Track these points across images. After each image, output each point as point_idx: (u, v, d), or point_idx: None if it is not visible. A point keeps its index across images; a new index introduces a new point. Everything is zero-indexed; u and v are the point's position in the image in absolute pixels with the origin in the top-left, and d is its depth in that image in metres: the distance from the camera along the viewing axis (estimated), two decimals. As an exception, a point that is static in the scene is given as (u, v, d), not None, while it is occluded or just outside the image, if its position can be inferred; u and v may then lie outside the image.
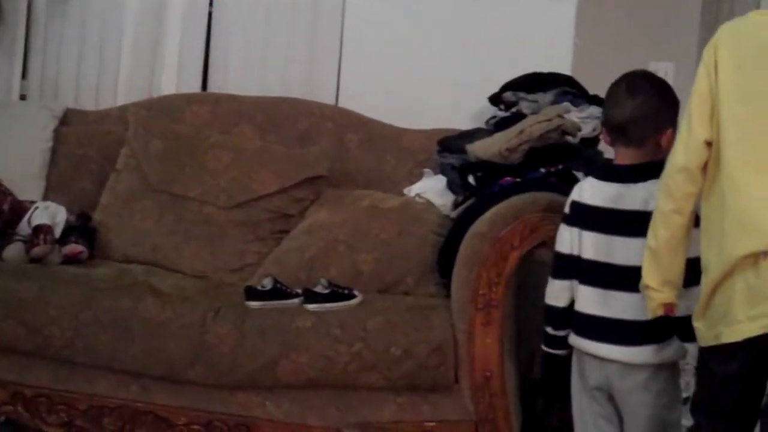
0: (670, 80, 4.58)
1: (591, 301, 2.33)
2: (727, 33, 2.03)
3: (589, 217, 2.35)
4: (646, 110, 2.27)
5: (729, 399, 2.03)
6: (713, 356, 2.01)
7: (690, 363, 2.29)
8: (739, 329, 1.91)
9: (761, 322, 1.87)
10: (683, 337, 2.22)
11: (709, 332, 1.99)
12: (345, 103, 3.73)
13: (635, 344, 2.27)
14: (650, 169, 2.26)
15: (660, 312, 2.13)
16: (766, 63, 1.95)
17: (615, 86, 2.37)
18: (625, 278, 2.25)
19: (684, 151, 2.02)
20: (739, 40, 2.01)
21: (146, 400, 2.82)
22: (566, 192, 2.65)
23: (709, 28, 4.64)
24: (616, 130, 2.33)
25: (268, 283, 2.82)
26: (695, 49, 4.55)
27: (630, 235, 2.26)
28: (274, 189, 3.29)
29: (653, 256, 2.10)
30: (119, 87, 3.87)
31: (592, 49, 4.24)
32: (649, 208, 2.19)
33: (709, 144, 1.99)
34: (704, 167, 2.01)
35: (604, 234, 2.32)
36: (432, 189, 3.26)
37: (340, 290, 2.82)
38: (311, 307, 2.76)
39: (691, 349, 2.22)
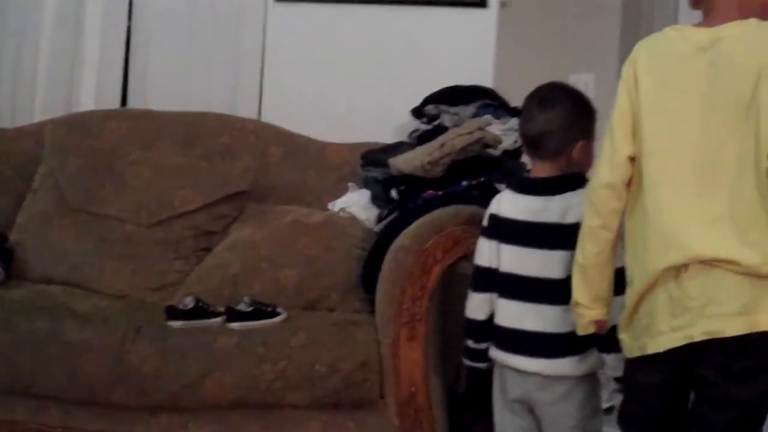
0: (590, 92, 4.67)
1: (510, 314, 2.34)
2: (645, 49, 2.05)
3: (507, 230, 2.36)
4: (557, 123, 2.28)
5: (654, 409, 2.06)
6: (638, 367, 2.04)
7: (607, 373, 2.30)
8: (662, 340, 1.94)
9: (684, 332, 1.90)
10: (602, 347, 2.24)
11: (634, 343, 2.02)
12: (268, 117, 3.70)
13: (555, 357, 2.27)
14: (566, 182, 2.29)
15: (591, 329, 2.14)
16: (683, 78, 1.97)
17: (529, 99, 2.38)
18: (544, 291, 2.27)
19: (608, 167, 2.03)
20: (657, 56, 2.03)
21: (67, 425, 2.76)
22: (488, 204, 2.66)
23: (628, 40, 4.72)
24: (531, 144, 2.36)
25: (189, 302, 2.78)
26: (615, 61, 4.63)
27: (548, 247, 2.28)
28: (196, 206, 3.25)
29: (582, 272, 2.11)
30: (36, 103, 3.81)
31: (513, 61, 4.28)
32: (566, 221, 2.23)
33: (632, 159, 2.01)
34: (629, 182, 2.03)
35: (522, 247, 2.32)
36: (356, 203, 3.25)
37: (264, 308, 2.79)
38: (234, 325, 2.73)
39: (609, 359, 2.24)
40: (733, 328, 1.87)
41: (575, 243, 2.13)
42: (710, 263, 1.88)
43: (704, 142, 1.92)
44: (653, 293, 1.95)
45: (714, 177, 1.91)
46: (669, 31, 2.08)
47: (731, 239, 1.88)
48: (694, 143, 1.93)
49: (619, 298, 2.09)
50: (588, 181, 2.21)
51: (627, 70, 2.03)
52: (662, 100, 1.98)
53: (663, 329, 1.93)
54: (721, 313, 1.88)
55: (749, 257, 1.86)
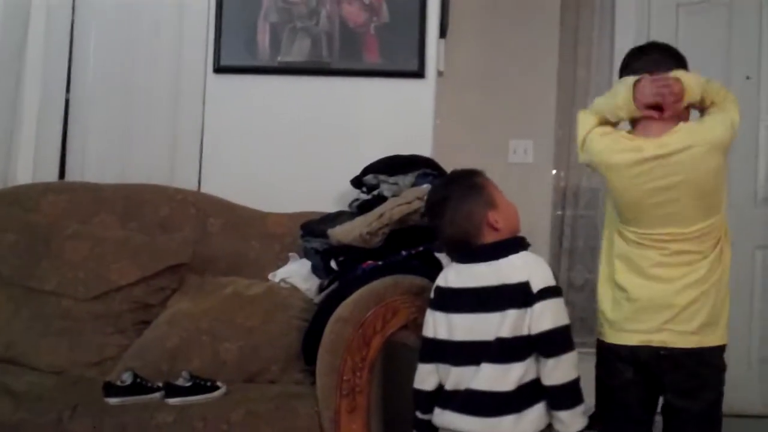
0: (529, 157, 4.79)
1: (460, 379, 2.35)
2: None
3: (456, 300, 2.39)
4: (459, 222, 2.38)
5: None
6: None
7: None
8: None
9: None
10: (554, 404, 2.27)
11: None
12: (207, 188, 3.71)
13: (494, 415, 2.28)
14: (508, 246, 2.35)
15: None
16: None
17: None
18: (490, 351, 2.28)
19: None
20: None
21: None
22: (428, 274, 2.69)
23: (564, 107, 4.83)
24: (450, 245, 2.47)
25: (127, 378, 2.73)
26: (552, 126, 4.73)
27: (493, 310, 2.30)
28: (135, 279, 3.22)
29: None
30: (-28, 177, 3.75)
31: (453, 130, 4.35)
32: (512, 281, 2.28)
33: None
34: None
35: (472, 314, 2.35)
36: (297, 273, 3.25)
37: (203, 382, 2.75)
38: (172, 401, 2.68)
39: (563, 416, 2.27)
40: None
41: (521, 302, 2.25)
42: None
43: None
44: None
45: None
46: None
47: None
48: None
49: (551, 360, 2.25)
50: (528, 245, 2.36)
51: None
52: None
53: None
54: None
55: None
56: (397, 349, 2.83)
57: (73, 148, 3.79)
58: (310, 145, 3.73)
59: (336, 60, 3.72)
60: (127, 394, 2.70)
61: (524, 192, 4.58)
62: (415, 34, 3.71)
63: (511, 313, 2.26)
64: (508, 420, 2.27)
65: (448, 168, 3.41)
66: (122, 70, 3.78)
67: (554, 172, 4.88)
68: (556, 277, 2.34)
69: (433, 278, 2.57)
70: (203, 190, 3.71)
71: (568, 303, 4.42)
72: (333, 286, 2.97)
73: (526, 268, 2.28)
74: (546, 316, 2.26)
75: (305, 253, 3.29)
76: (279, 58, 3.73)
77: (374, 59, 3.72)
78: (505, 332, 2.26)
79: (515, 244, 2.36)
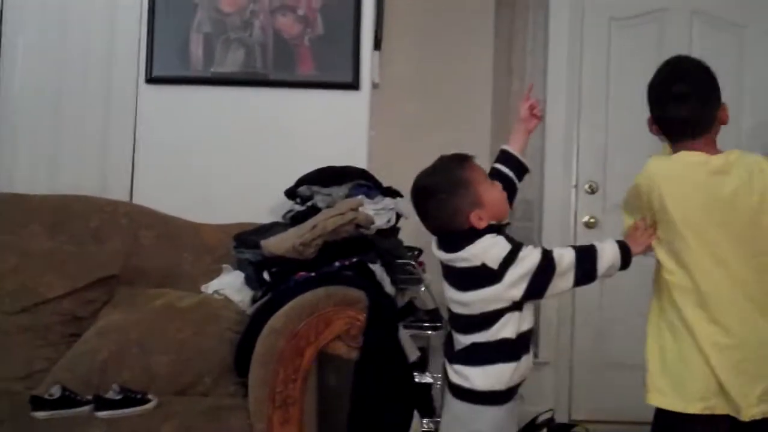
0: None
1: None
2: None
3: None
4: (443, 218, 2.42)
5: None
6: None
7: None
8: None
9: None
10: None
11: None
12: (139, 199, 3.67)
13: None
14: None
15: None
16: None
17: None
18: None
19: None
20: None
21: None
22: (361, 285, 2.69)
23: (499, 118, 4.87)
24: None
25: (56, 391, 2.69)
26: (488, 137, 4.76)
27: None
28: (64, 291, 3.18)
29: None
30: None
31: (388, 141, 4.36)
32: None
33: None
34: None
35: None
36: (230, 285, 3.23)
37: (134, 395, 2.71)
38: (102, 414, 2.64)
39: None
40: None
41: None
42: None
43: None
44: None
45: None
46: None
47: None
48: None
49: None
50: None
51: None
52: None
53: None
54: None
55: None
56: (330, 359, 2.82)
57: (2, 158, 3.72)
58: (244, 156, 3.71)
59: (270, 71, 3.72)
60: (55, 408, 2.65)
61: (459, 203, 4.61)
62: (350, 45, 3.72)
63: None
64: None
65: (383, 179, 3.45)
66: (52, 79, 3.73)
67: (489, 183, 4.90)
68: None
69: (366, 289, 2.58)
70: (135, 201, 3.67)
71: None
72: (266, 298, 2.96)
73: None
74: None
75: (238, 265, 3.28)
76: (212, 69, 3.71)
77: (309, 71, 3.72)
78: None
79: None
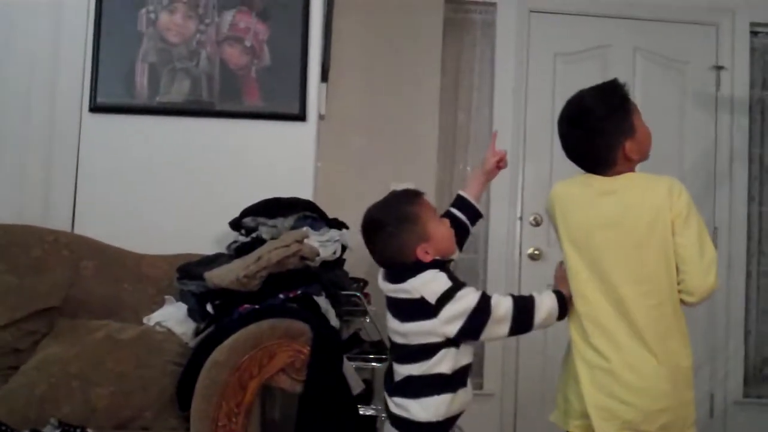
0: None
1: None
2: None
3: None
4: (390, 252, 2.46)
5: None
6: None
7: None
8: None
9: None
10: None
11: None
12: (82, 229, 3.61)
13: None
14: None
15: None
16: None
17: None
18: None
19: None
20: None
21: None
22: (306, 317, 2.67)
23: (445, 151, 4.91)
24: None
25: (-9, 426, 2.64)
26: (434, 170, 4.80)
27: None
28: (2, 322, 3.13)
29: None
30: None
31: (334, 173, 4.36)
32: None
33: None
34: None
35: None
36: (173, 317, 3.19)
37: (72, 429, 2.67)
38: (39, 449, 2.60)
39: None
40: None
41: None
42: None
43: None
44: None
45: None
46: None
47: None
48: None
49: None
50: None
51: None
52: None
53: None
54: None
55: None
56: (274, 393, 2.80)
57: (-60, 187, 3.65)
58: (188, 187, 3.69)
59: (216, 101, 3.71)
60: (-10, 444, 2.60)
61: (405, 235, 4.62)
62: (297, 77, 3.73)
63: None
64: None
65: (329, 211, 3.44)
66: (-8, 106, 3.67)
67: (435, 215, 4.93)
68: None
69: (310, 321, 2.57)
70: (77, 231, 3.61)
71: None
72: (209, 330, 2.93)
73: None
74: None
75: (181, 296, 3.24)
76: (158, 99, 3.69)
77: (255, 101, 3.72)
78: None
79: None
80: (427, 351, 2.38)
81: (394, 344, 2.48)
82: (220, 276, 2.97)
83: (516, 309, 2.41)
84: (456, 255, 2.61)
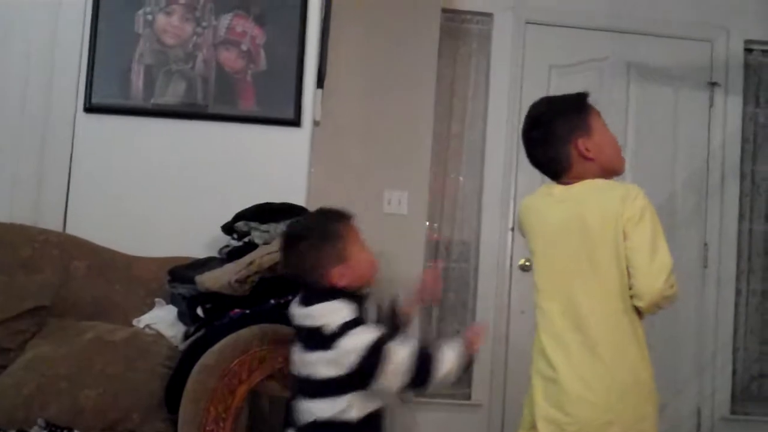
0: (403, 208, 4.84)
1: None
2: None
3: None
4: (302, 268, 2.42)
5: None
6: None
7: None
8: None
9: None
10: None
11: None
12: (73, 229, 3.59)
13: None
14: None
15: None
16: None
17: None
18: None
19: None
20: None
21: None
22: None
23: (439, 160, 4.92)
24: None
25: (-22, 426, 2.63)
26: (427, 178, 4.81)
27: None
28: (-7, 321, 3.10)
29: None
30: None
31: (328, 179, 4.37)
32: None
33: None
34: None
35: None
36: (163, 320, 3.18)
37: (60, 430, 2.66)
38: (25, 450, 2.59)
39: None
40: None
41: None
42: None
43: None
44: None
45: None
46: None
47: None
48: None
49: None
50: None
51: None
52: None
53: None
54: None
55: None
56: (262, 398, 2.79)
57: (-69, 184, 3.64)
58: (181, 190, 3.68)
59: (211, 104, 3.70)
60: (-24, 443, 2.59)
61: (398, 242, 4.65)
62: (292, 82, 3.72)
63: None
64: None
65: (322, 217, 3.43)
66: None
67: (427, 223, 4.95)
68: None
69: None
70: (69, 231, 3.59)
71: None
72: (199, 334, 2.92)
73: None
74: None
75: (172, 299, 3.24)
76: (153, 101, 3.68)
77: (250, 106, 3.71)
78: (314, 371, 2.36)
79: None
80: (331, 386, 2.31)
81: (299, 377, 2.40)
82: (211, 280, 2.96)
83: (414, 359, 2.28)
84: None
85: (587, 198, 2.43)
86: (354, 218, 2.49)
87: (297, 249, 2.41)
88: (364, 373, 2.27)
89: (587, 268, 2.39)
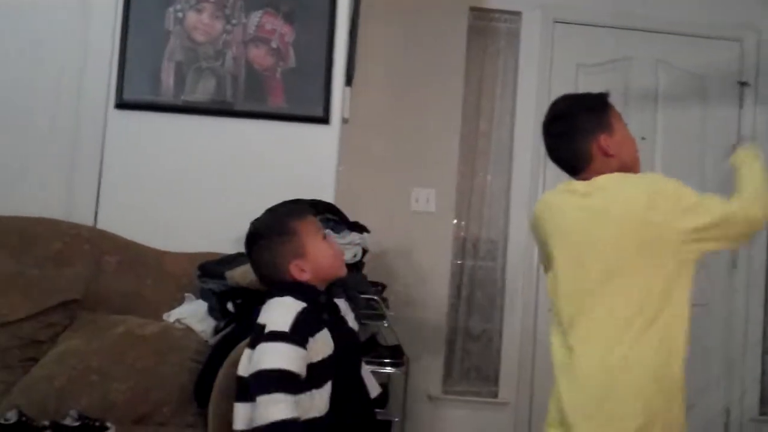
0: (431, 205, 4.86)
1: None
2: None
3: None
4: (263, 266, 2.44)
5: None
6: None
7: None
8: None
9: None
10: None
11: None
12: (104, 224, 3.62)
13: None
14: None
15: None
16: None
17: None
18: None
19: None
20: None
21: None
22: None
23: (466, 158, 4.92)
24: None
25: (12, 416, 2.65)
26: (454, 176, 4.81)
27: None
28: (24, 314, 3.14)
29: None
30: None
31: (356, 176, 4.38)
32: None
33: None
34: None
35: None
36: (193, 314, 3.20)
37: (91, 422, 2.69)
38: (58, 441, 2.61)
39: None
40: None
41: None
42: None
43: None
44: None
45: None
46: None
47: None
48: None
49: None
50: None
51: None
52: None
53: None
54: None
55: None
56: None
57: (-34, 178, 3.68)
58: (211, 186, 3.70)
59: (240, 102, 3.72)
60: (10, 433, 2.62)
61: (425, 240, 4.66)
62: (321, 80, 3.73)
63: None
64: None
65: (350, 214, 3.45)
66: (21, 99, 3.70)
67: (455, 221, 4.95)
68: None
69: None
70: (100, 226, 3.63)
71: (464, 351, 4.48)
72: (229, 329, 2.94)
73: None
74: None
75: (202, 294, 3.25)
76: (183, 97, 3.70)
77: (279, 103, 3.73)
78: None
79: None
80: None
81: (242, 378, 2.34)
82: (241, 275, 2.98)
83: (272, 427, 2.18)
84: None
85: (616, 187, 2.41)
86: (312, 213, 2.52)
87: (254, 251, 2.43)
88: (252, 386, 2.24)
89: (616, 260, 2.34)
